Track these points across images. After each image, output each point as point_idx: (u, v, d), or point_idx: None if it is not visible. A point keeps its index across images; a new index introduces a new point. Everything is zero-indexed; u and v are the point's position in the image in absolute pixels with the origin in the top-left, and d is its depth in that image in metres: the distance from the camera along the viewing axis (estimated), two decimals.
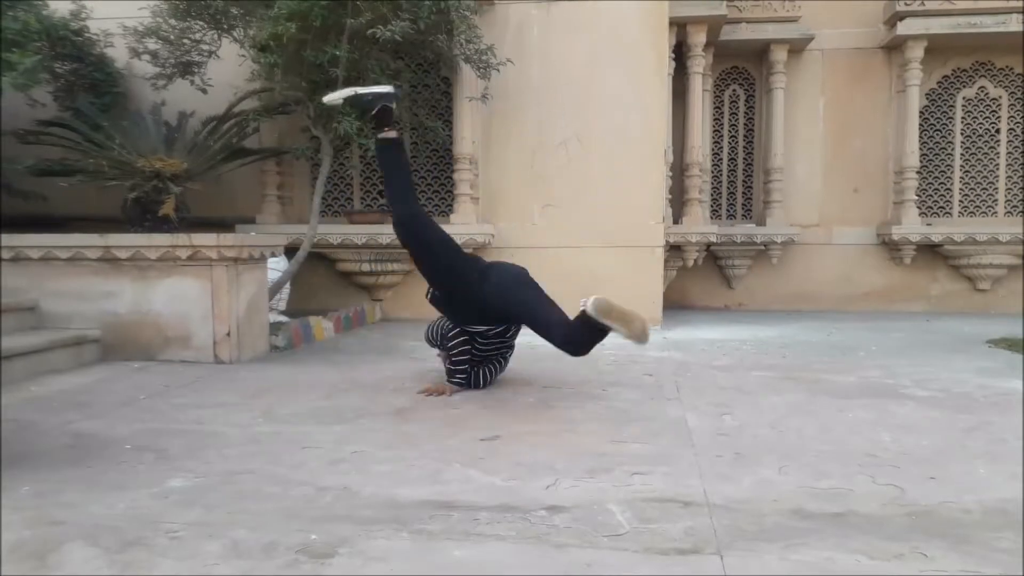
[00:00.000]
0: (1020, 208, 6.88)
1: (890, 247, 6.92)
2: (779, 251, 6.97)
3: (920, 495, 1.89)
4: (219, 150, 4.99)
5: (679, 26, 6.10)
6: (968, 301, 6.93)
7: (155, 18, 4.90)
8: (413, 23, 4.46)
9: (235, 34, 4.90)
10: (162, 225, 4.42)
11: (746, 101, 7.19)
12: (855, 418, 2.73)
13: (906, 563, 1.50)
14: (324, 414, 2.79)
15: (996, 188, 6.91)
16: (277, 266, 4.98)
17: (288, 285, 5.18)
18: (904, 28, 6.45)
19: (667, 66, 5.77)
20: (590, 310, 2.70)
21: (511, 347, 3.37)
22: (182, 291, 3.92)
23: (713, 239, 6.41)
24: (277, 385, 3.37)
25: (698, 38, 6.19)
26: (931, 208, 7.00)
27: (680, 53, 6.32)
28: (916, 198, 6.70)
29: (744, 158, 7.24)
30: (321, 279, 5.86)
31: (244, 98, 5.22)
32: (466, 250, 5.51)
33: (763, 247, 6.92)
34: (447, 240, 3.14)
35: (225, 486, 1.97)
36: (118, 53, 5.55)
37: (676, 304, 6.97)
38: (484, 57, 5.00)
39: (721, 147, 7.23)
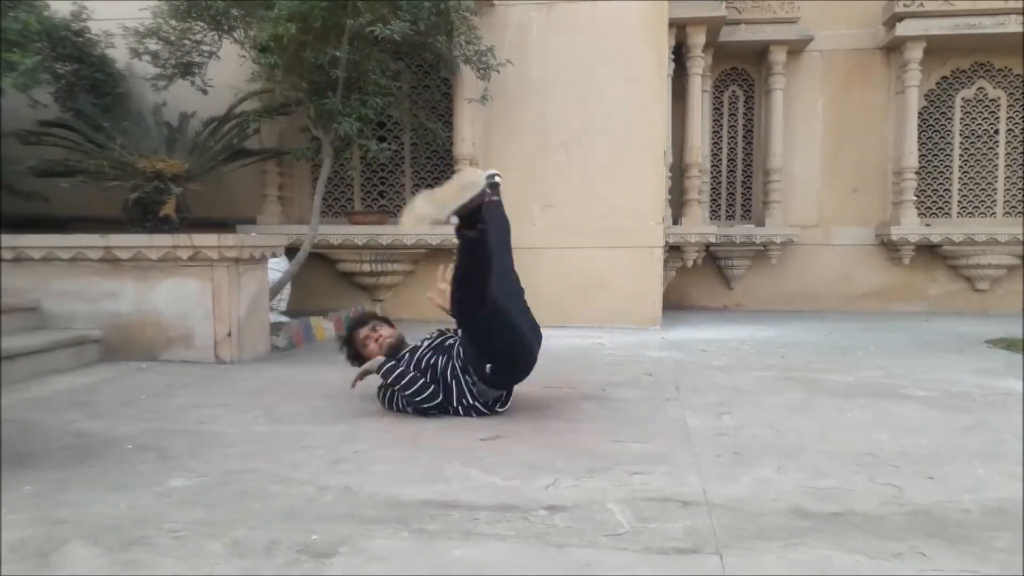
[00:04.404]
0: (1019, 208, 6.88)
1: (889, 247, 6.92)
2: (778, 251, 6.97)
3: (919, 495, 1.90)
4: (220, 151, 5.00)
5: (679, 27, 6.11)
6: (967, 301, 6.94)
7: (156, 19, 4.91)
8: (413, 24, 4.47)
9: (235, 35, 4.91)
10: (163, 226, 4.42)
11: (745, 102, 7.20)
12: (854, 418, 2.74)
13: (904, 562, 1.51)
14: (325, 414, 2.80)
15: (995, 188, 6.92)
16: (278, 266, 4.98)
17: (289, 285, 5.19)
18: (903, 29, 6.46)
19: (667, 67, 5.77)
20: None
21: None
22: (183, 291, 3.92)
23: (712, 239, 6.42)
24: (278, 385, 3.37)
25: (697, 39, 6.20)
26: (930, 208, 7.01)
27: (680, 54, 6.33)
28: (915, 198, 6.71)
29: (743, 159, 7.25)
30: (322, 279, 5.87)
31: (245, 99, 5.23)
32: None
33: (762, 247, 6.93)
34: None
35: (226, 485, 1.98)
36: (119, 54, 5.55)
37: (675, 304, 6.97)
38: (484, 58, 5.00)
39: (720, 148, 7.24)
